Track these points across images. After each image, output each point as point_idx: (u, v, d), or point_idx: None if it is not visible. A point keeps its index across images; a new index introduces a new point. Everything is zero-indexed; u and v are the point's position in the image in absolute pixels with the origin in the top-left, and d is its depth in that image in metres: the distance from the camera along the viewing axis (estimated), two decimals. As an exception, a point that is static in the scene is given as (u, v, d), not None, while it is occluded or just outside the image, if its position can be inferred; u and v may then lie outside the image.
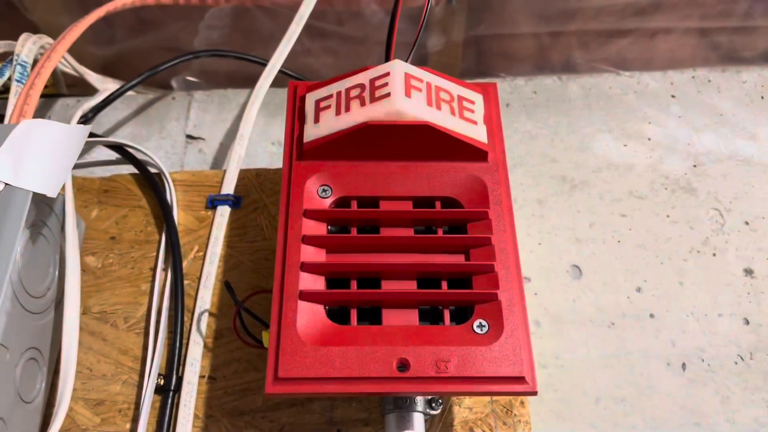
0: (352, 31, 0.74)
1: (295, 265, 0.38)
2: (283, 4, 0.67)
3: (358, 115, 0.41)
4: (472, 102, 0.43)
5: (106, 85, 0.68)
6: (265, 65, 0.60)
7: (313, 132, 0.42)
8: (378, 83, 0.41)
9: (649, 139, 0.60)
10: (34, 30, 0.68)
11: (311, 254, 0.39)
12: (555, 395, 0.49)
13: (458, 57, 0.78)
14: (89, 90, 0.67)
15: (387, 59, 0.44)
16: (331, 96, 0.42)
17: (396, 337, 0.37)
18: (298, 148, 0.42)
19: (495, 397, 0.43)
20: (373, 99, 0.41)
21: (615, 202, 0.57)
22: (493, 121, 0.44)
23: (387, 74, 0.41)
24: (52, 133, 0.41)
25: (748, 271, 0.53)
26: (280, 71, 0.62)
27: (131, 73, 0.69)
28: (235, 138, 0.54)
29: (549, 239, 0.55)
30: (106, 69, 0.74)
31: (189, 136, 0.61)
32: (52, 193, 0.39)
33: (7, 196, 0.39)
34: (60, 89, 0.68)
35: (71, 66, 0.63)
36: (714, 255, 0.54)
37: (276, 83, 0.68)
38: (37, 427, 0.41)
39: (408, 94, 0.40)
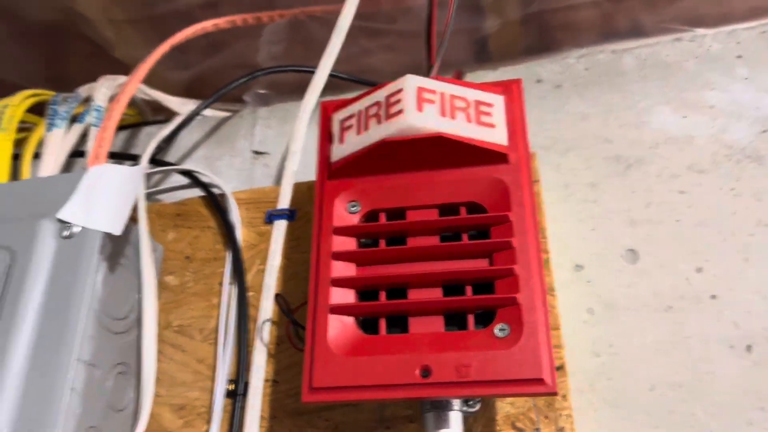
0: (405, 27, 0.75)
1: (326, 281, 0.41)
2: (333, 11, 0.69)
3: (376, 133, 0.43)
4: (490, 105, 0.44)
5: (187, 107, 0.74)
6: (343, 78, 0.64)
7: (338, 152, 0.45)
8: (392, 100, 0.43)
9: (711, 107, 0.57)
10: (121, 66, 0.76)
11: (341, 269, 0.42)
12: (608, 383, 0.49)
13: (518, 35, 0.77)
14: (172, 114, 0.74)
15: (429, 60, 0.47)
16: (352, 116, 0.45)
17: (421, 344, 0.39)
18: (328, 168, 0.45)
19: (536, 392, 0.44)
20: (389, 116, 0.42)
21: (673, 179, 0.54)
22: (516, 121, 0.44)
23: (400, 90, 0.43)
24: (114, 176, 0.47)
25: (824, 243, 0.50)
26: (337, 77, 0.65)
27: (211, 89, 0.76)
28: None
29: (603, 224, 0.54)
30: (188, 90, 0.81)
31: (255, 152, 0.66)
32: (117, 231, 0.45)
33: (83, 236, 0.45)
34: (145, 117, 0.75)
35: (150, 96, 0.70)
36: (784, 227, 0.51)
37: (334, 89, 0.71)
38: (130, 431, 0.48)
39: (420, 108, 0.42)
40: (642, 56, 0.61)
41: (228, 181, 0.64)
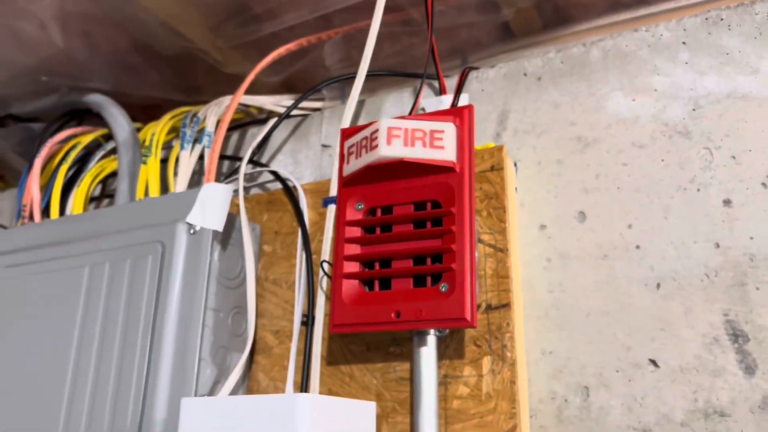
0: (435, 23, 0.92)
1: (341, 257, 0.65)
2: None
3: (364, 159, 0.64)
4: (442, 132, 0.63)
5: (282, 103, 0.99)
6: (381, 74, 0.85)
7: (347, 169, 0.67)
8: (374, 136, 0.64)
9: (655, 90, 0.70)
10: (231, 76, 1.02)
11: (351, 249, 0.65)
12: (558, 313, 0.68)
13: (534, 18, 0.91)
14: (272, 112, 0.99)
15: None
16: (353, 144, 0.66)
17: (397, 297, 0.62)
18: (342, 179, 0.68)
19: (490, 320, 0.65)
20: (371, 148, 0.64)
21: (619, 154, 0.70)
22: (464, 139, 0.63)
23: (377, 130, 0.63)
24: (216, 191, 0.73)
25: (727, 202, 0.64)
26: (380, 75, 0.86)
27: (298, 85, 1.00)
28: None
29: (563, 192, 0.71)
30: (281, 88, 1.05)
31: (323, 145, 0.89)
32: (220, 228, 0.71)
33: (202, 233, 0.72)
34: (252, 117, 1.01)
35: (251, 103, 0.94)
36: (698, 191, 0.65)
37: (384, 82, 0.92)
38: (246, 348, 0.76)
39: (389, 143, 0.62)
40: (606, 48, 0.74)
41: (305, 169, 0.89)
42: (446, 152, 0.62)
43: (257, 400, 0.55)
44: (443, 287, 0.60)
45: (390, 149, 0.62)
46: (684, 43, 0.70)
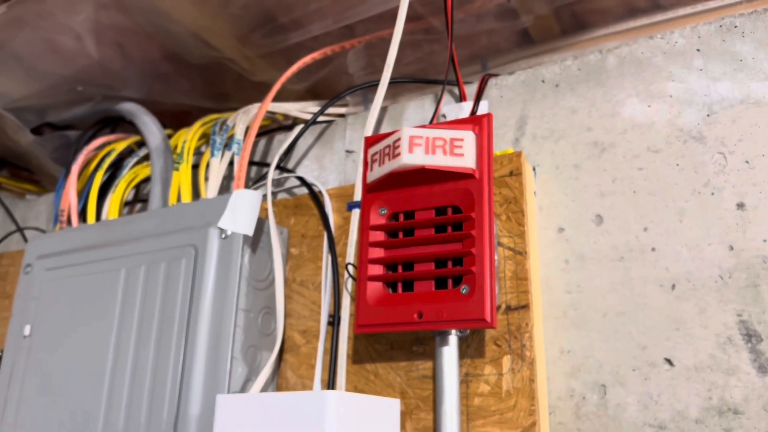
0: (455, 31, 0.94)
1: (366, 261, 0.68)
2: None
3: (387, 166, 0.67)
4: (462, 140, 0.66)
5: (307, 109, 1.02)
6: (403, 81, 0.88)
7: (370, 175, 0.70)
8: (396, 144, 0.66)
9: (670, 96, 0.72)
10: (259, 84, 1.05)
11: (375, 252, 0.68)
12: (575, 312, 0.70)
13: (553, 25, 0.93)
14: (298, 119, 1.02)
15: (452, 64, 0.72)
16: (377, 152, 0.69)
17: (420, 298, 0.65)
18: (366, 186, 0.70)
19: (509, 321, 0.68)
20: (393, 156, 0.66)
21: (634, 158, 0.72)
22: (483, 147, 0.66)
23: (399, 138, 0.66)
24: (246, 197, 0.76)
25: (740, 205, 0.65)
26: (401, 82, 0.89)
27: (323, 91, 1.03)
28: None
29: (580, 196, 0.73)
30: (307, 94, 1.09)
31: (347, 151, 0.92)
32: (250, 232, 0.75)
33: (232, 237, 0.76)
34: (279, 123, 1.04)
35: (278, 110, 0.98)
36: (712, 194, 0.67)
37: (402, 93, 0.95)
38: (276, 347, 0.79)
39: (411, 151, 0.65)
40: (622, 55, 0.76)
41: (330, 173, 0.92)
42: (466, 159, 0.65)
43: (288, 397, 0.58)
44: (464, 289, 0.62)
45: (412, 157, 0.65)
46: (698, 50, 0.72)
